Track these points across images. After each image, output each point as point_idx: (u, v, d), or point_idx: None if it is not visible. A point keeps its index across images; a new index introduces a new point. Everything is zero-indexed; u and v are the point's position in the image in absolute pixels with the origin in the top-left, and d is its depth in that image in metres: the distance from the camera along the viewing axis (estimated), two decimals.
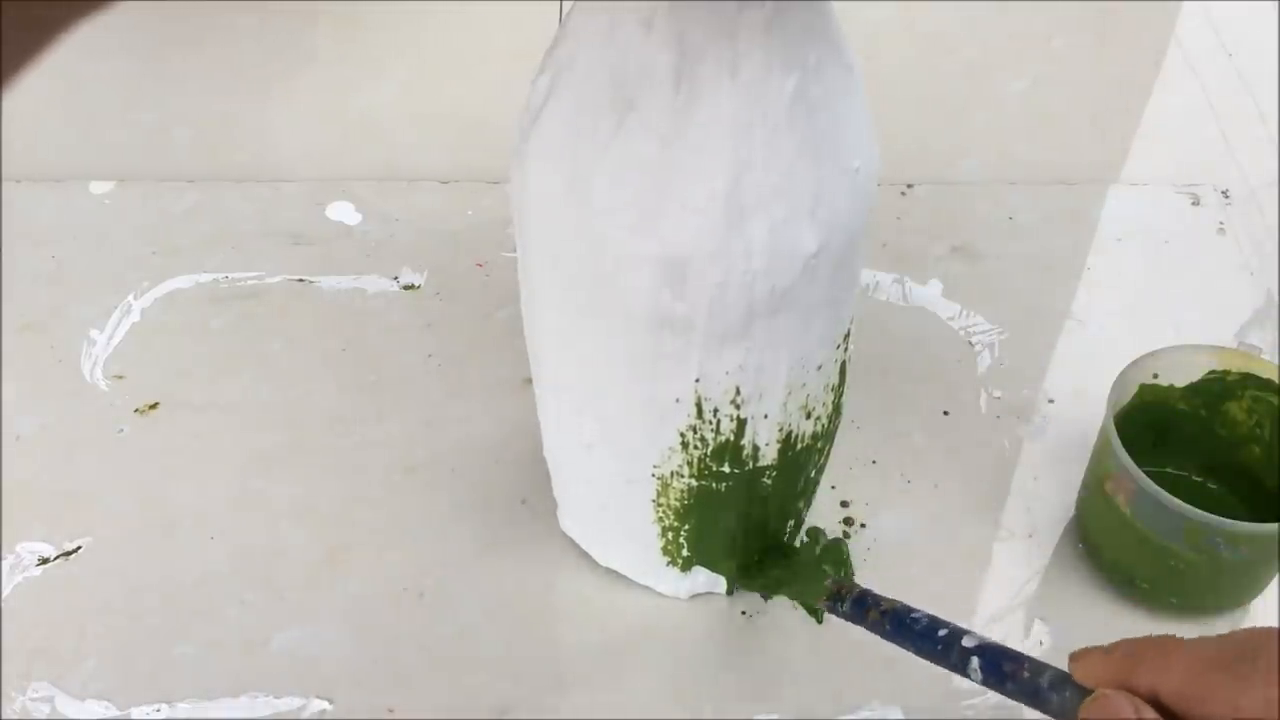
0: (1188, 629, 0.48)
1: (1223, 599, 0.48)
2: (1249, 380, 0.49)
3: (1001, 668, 0.37)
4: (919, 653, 0.40)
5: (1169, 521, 0.45)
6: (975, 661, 0.38)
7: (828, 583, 0.44)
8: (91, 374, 0.57)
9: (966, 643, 0.38)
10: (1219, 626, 0.48)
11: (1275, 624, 0.48)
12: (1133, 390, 0.49)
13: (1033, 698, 0.36)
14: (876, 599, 0.42)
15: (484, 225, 0.64)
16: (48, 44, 0.19)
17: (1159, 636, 0.35)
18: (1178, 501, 0.44)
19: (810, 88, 0.36)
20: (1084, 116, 0.68)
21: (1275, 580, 0.49)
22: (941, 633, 0.39)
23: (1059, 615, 0.49)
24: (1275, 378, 0.48)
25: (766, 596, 0.49)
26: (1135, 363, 0.49)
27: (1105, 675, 0.34)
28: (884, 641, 0.48)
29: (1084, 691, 0.35)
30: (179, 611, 0.49)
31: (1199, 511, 0.44)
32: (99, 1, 0.20)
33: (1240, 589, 0.48)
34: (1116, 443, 0.46)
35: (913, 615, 0.41)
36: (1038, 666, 0.36)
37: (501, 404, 0.56)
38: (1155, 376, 0.50)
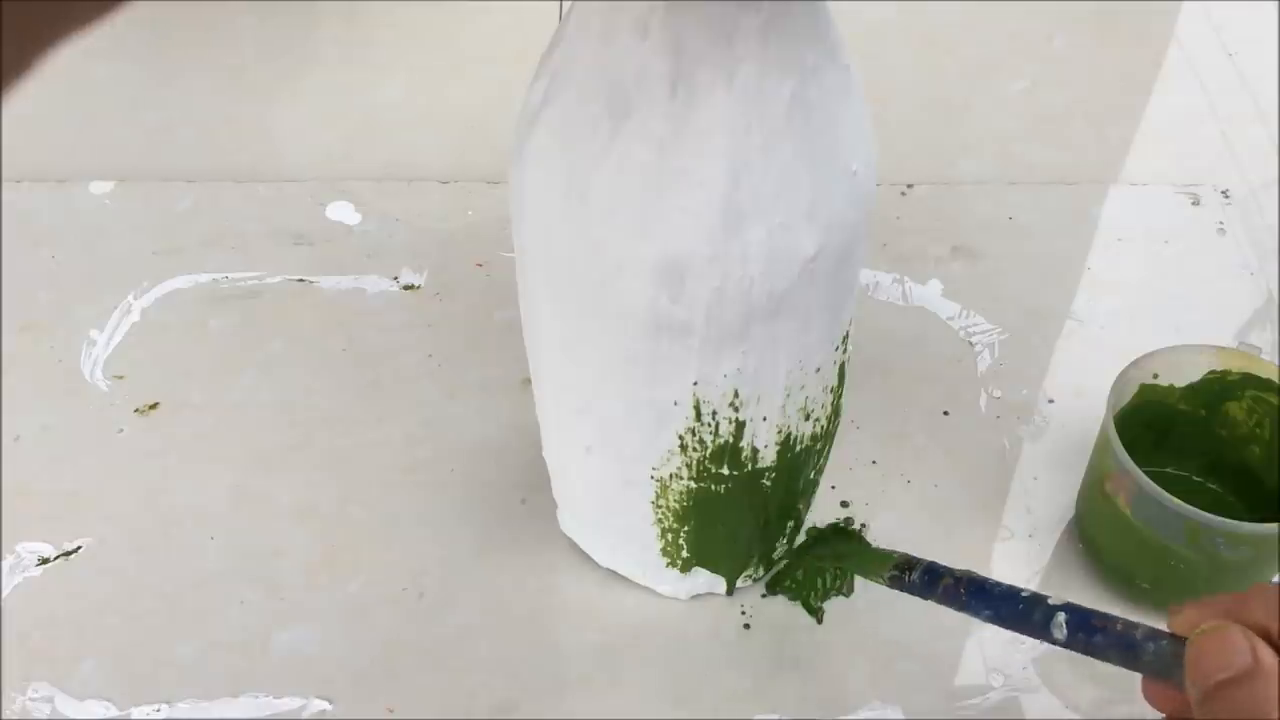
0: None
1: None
2: (1249, 380, 0.49)
3: (1090, 622, 0.36)
4: (997, 617, 0.39)
5: (1169, 521, 0.45)
6: (1061, 617, 0.37)
7: (896, 555, 0.44)
8: (91, 374, 0.57)
9: (1052, 601, 0.38)
10: None
11: None
12: (1133, 390, 0.49)
13: (1126, 650, 0.35)
14: (948, 569, 0.42)
15: (484, 225, 0.64)
16: (48, 50, 0.19)
17: (1268, 584, 0.33)
18: (1178, 502, 0.44)
19: (808, 90, 0.36)
20: (1084, 116, 0.69)
21: (1276, 580, 0.49)
22: (1024, 593, 0.39)
23: None
24: (1275, 378, 0.48)
25: (772, 592, 0.49)
26: (1135, 363, 0.49)
27: (1212, 619, 0.33)
28: (883, 641, 0.48)
29: (1182, 642, 0.34)
30: (179, 611, 0.49)
31: (1200, 511, 0.44)
32: (103, 8, 0.20)
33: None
34: (1116, 443, 0.46)
35: (990, 581, 0.40)
36: (1130, 622, 0.36)
37: (501, 404, 0.56)
38: (1155, 376, 0.50)
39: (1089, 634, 0.36)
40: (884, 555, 0.45)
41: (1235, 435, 0.50)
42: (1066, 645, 0.37)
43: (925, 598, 0.42)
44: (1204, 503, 0.44)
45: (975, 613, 0.40)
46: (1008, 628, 0.39)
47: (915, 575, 0.43)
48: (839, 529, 0.50)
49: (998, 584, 0.40)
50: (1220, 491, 0.51)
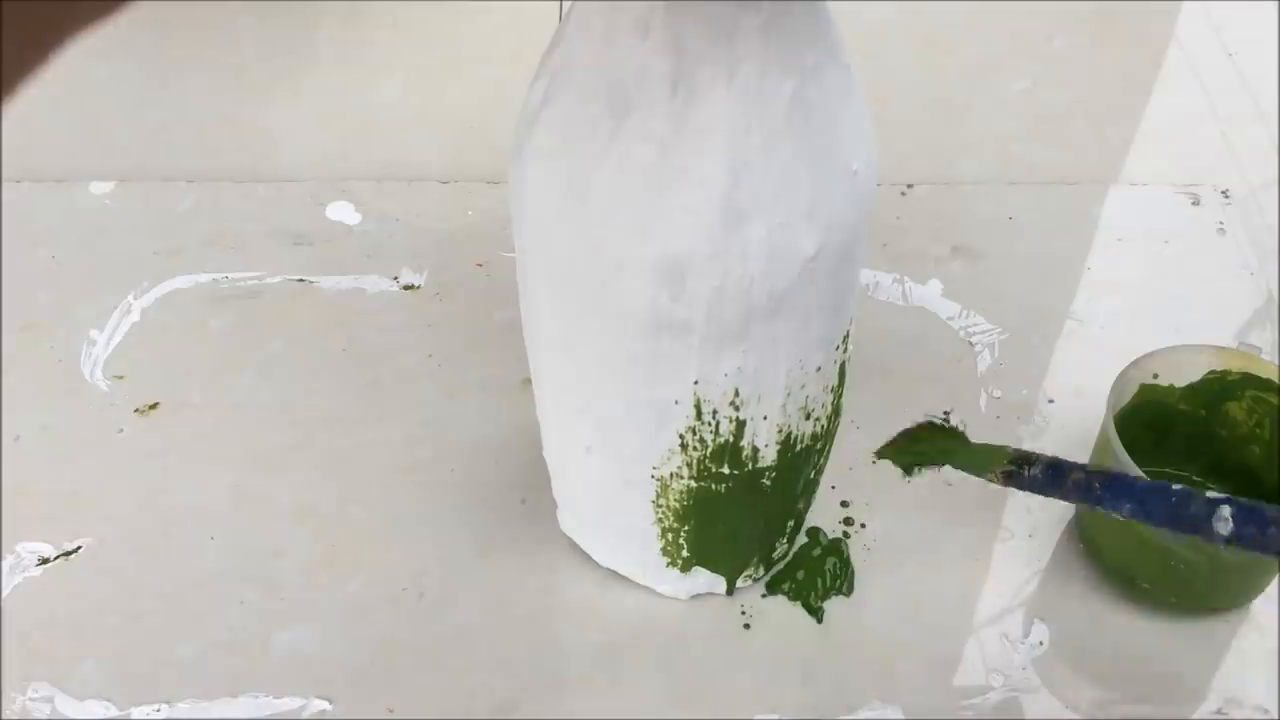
0: (1188, 629, 0.48)
1: (1223, 599, 0.48)
2: (1249, 380, 0.49)
3: (1263, 514, 0.33)
4: (1143, 512, 0.36)
5: None
6: (1226, 510, 0.34)
7: (1010, 450, 0.41)
8: (91, 374, 0.57)
9: (1212, 494, 0.35)
10: (1220, 627, 0.48)
11: (1276, 624, 0.48)
12: (1133, 390, 0.49)
13: None
14: (1075, 464, 0.39)
15: (484, 225, 0.64)
16: (50, 54, 0.19)
17: None
18: None
19: (808, 90, 0.36)
20: (1084, 116, 0.69)
21: (1276, 581, 0.49)
22: (1175, 486, 0.36)
23: (1059, 615, 0.49)
24: (1275, 378, 0.48)
25: (771, 592, 0.49)
26: (1135, 363, 0.49)
27: None
28: (883, 641, 0.48)
29: None
30: (179, 611, 0.49)
31: None
32: (107, 8, 0.20)
33: (1241, 589, 0.48)
34: (1116, 442, 0.46)
35: (1130, 475, 0.37)
36: None
37: (501, 404, 0.56)
38: (1155, 376, 0.50)
39: (1261, 527, 0.33)
40: (996, 450, 0.42)
41: (1235, 435, 0.50)
42: (1233, 542, 0.34)
43: (1047, 494, 0.39)
44: None
45: (1115, 508, 0.37)
46: (1154, 524, 0.36)
47: (1037, 470, 0.40)
48: (936, 426, 0.46)
49: (1140, 478, 0.37)
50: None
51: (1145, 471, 0.45)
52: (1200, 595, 0.48)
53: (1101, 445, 0.49)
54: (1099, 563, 0.50)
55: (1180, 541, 0.45)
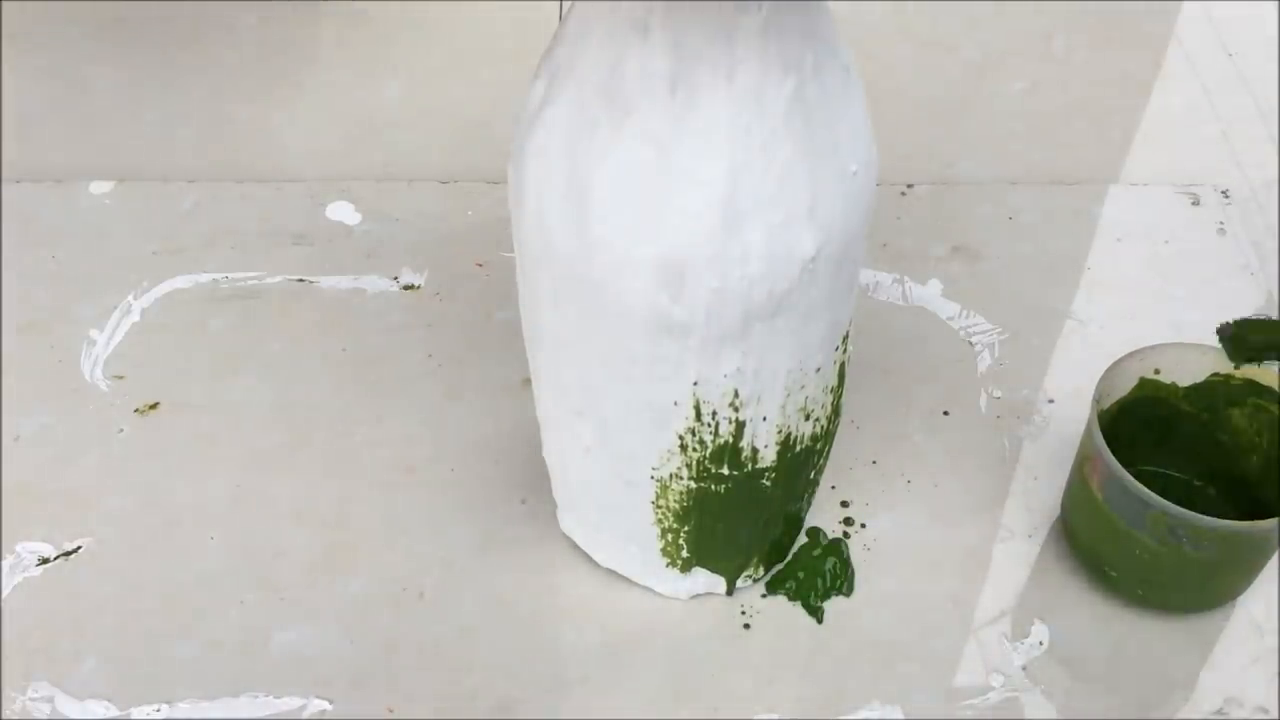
0: (1189, 629, 0.48)
1: (1189, 597, 0.48)
2: (1251, 388, 0.49)
3: None
4: None
5: (1134, 507, 0.45)
6: None
7: None
8: (91, 374, 0.57)
9: None
10: (1220, 626, 0.48)
11: (1275, 623, 0.48)
12: (1132, 383, 0.49)
13: None
14: None
15: (484, 225, 0.64)
16: None
17: None
18: (1141, 487, 0.44)
19: (807, 90, 0.36)
20: (1084, 116, 0.69)
21: (1272, 581, 0.49)
22: None
23: (1059, 615, 0.49)
24: (1277, 387, 0.48)
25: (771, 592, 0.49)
26: (1133, 354, 0.49)
27: None
28: (883, 641, 0.48)
29: None
30: (179, 611, 0.49)
31: (1159, 499, 0.44)
32: None
33: (1208, 588, 0.48)
34: (1094, 424, 0.46)
35: None
36: None
37: (501, 404, 0.56)
38: (1157, 372, 0.50)
39: None
40: None
41: (1237, 443, 0.50)
42: None
43: None
44: (1200, 508, 0.44)
45: None
46: None
47: None
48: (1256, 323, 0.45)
49: None
50: (1220, 499, 0.51)
51: (1146, 472, 0.45)
52: (1165, 589, 0.48)
53: (1087, 432, 0.48)
54: (1074, 546, 0.50)
55: (1141, 528, 0.45)
